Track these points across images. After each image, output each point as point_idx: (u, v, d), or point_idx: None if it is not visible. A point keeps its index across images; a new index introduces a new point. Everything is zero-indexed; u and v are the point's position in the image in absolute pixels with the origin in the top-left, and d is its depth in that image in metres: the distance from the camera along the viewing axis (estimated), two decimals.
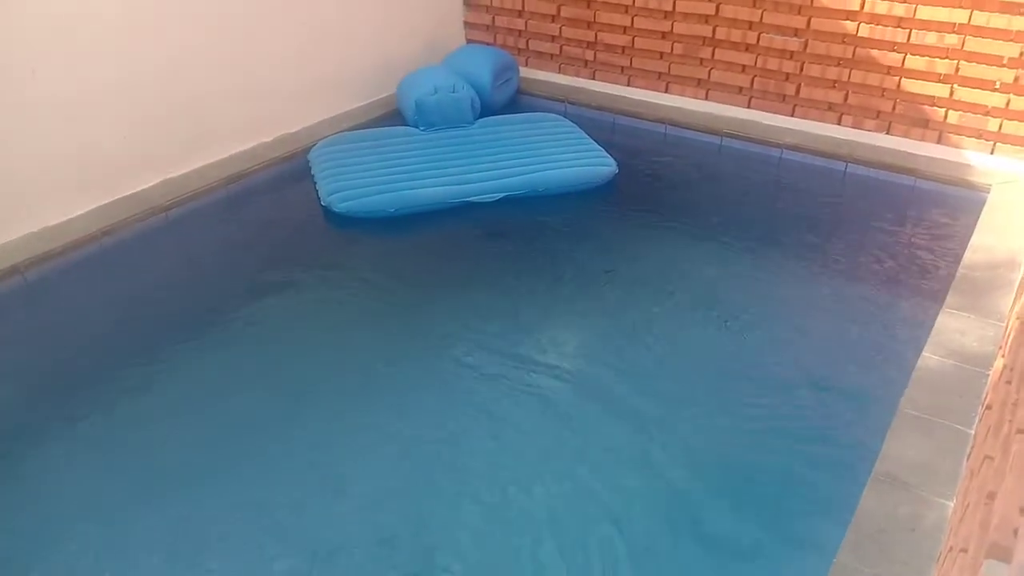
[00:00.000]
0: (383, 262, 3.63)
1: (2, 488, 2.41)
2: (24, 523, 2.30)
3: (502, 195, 4.01)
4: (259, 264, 3.54)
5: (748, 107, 4.83)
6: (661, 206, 4.09)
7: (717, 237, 3.78)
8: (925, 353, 2.80)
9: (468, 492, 2.38)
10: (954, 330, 2.92)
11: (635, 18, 4.97)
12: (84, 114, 3.56)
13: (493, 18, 5.52)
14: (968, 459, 2.33)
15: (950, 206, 4.04)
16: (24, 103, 3.35)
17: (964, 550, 1.64)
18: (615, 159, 4.31)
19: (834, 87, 4.52)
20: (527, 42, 5.47)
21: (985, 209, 3.83)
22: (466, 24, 5.66)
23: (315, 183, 4.10)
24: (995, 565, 1.30)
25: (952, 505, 2.21)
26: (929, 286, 3.36)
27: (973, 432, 2.45)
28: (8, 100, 3.30)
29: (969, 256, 3.41)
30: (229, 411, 2.70)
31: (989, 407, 2.28)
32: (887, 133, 4.46)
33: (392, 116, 4.92)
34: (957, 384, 2.66)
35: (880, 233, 3.79)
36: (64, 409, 2.68)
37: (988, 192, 4.02)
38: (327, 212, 3.90)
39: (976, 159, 4.24)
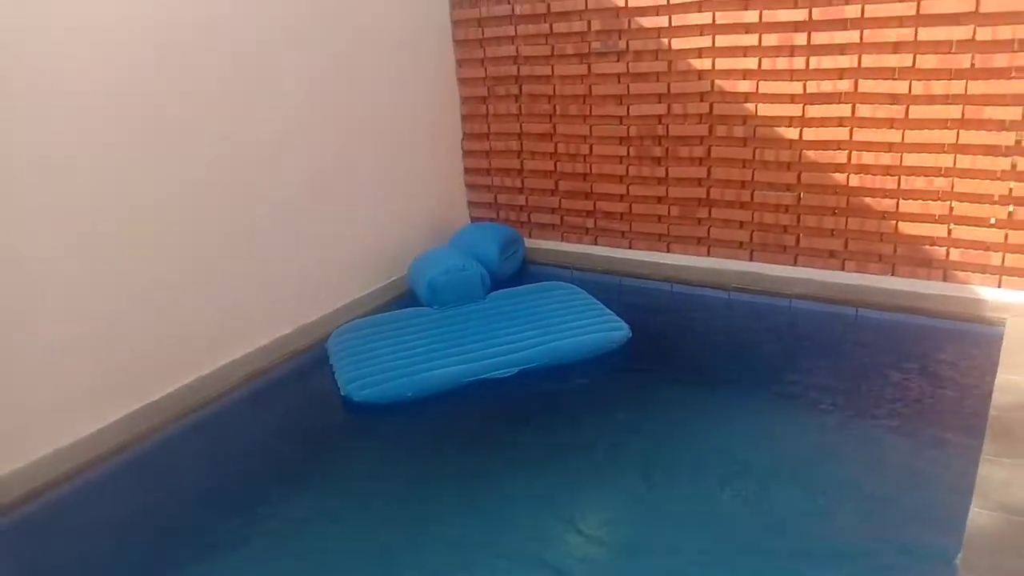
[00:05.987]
0: (399, 455, 3.56)
1: None
2: None
3: (518, 369, 4.03)
4: (276, 466, 3.48)
5: (751, 260, 4.93)
6: (676, 365, 4.08)
7: (736, 393, 3.73)
8: (974, 508, 2.69)
9: None
10: (999, 481, 2.82)
11: (630, 186, 5.18)
12: (102, 326, 3.65)
13: (495, 196, 5.77)
14: None
15: (967, 343, 4.02)
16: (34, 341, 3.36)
17: None
18: (626, 322, 4.36)
19: (832, 235, 4.63)
20: (529, 215, 5.69)
21: (1004, 344, 3.80)
22: (470, 204, 5.91)
23: (334, 373, 4.14)
24: None
25: None
26: (963, 432, 3.26)
27: None
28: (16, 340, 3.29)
29: (998, 397, 3.34)
30: None
31: None
32: (892, 275, 4.51)
33: (404, 297, 5.03)
34: (1012, 540, 2.53)
35: (902, 378, 3.74)
36: None
37: (1003, 326, 4.01)
38: (347, 402, 3.90)
39: (986, 293, 4.27)
